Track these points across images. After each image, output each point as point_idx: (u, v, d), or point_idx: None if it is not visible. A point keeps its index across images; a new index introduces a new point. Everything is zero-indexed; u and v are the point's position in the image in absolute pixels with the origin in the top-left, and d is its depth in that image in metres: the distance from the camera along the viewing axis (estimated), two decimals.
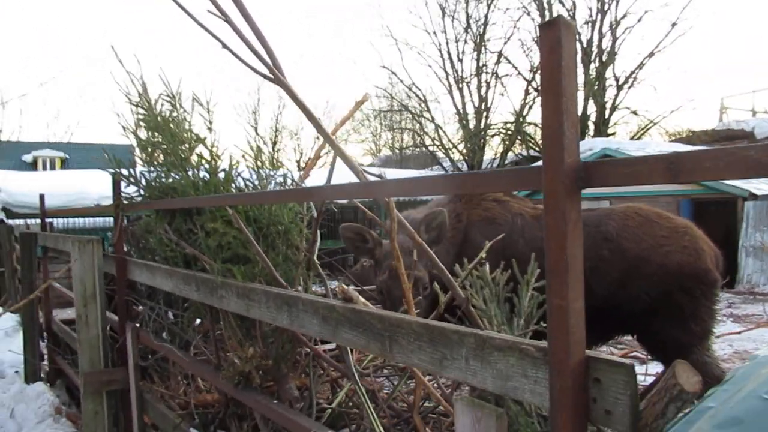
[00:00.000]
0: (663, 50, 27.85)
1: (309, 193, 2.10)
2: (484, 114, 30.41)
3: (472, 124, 30.58)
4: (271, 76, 1.80)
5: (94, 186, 14.07)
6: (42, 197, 6.94)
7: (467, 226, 4.04)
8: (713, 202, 15.11)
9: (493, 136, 30.98)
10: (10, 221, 13.21)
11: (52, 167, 33.33)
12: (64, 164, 33.89)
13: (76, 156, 33.70)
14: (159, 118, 3.45)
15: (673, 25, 27.12)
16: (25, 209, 13.42)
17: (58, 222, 15.33)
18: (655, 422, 1.12)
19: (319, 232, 2.82)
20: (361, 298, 1.89)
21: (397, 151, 42.00)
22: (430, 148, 33.04)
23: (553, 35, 1.19)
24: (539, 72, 1.21)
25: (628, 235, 3.71)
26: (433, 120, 32.46)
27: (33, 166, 33.53)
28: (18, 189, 13.82)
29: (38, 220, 8.25)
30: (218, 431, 3.26)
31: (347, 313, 1.82)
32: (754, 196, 14.38)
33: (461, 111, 30.78)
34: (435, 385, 2.56)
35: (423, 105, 32.49)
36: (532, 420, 1.95)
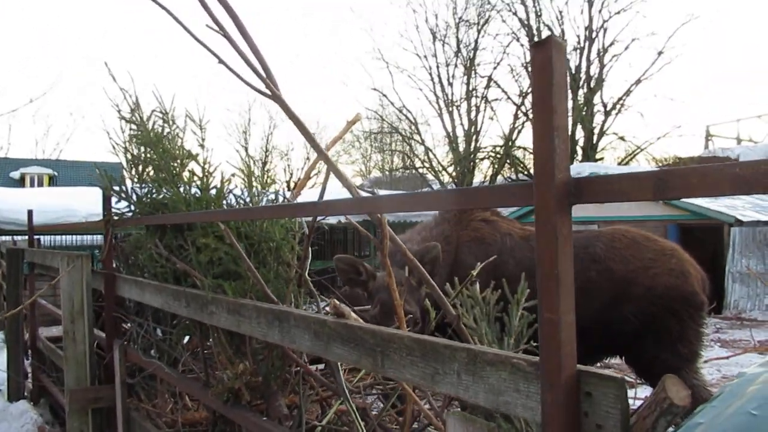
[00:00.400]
0: (650, 77, 28.29)
1: (302, 209, 2.11)
2: (474, 137, 30.67)
3: (461, 147, 30.81)
4: (268, 91, 1.83)
5: (82, 204, 13.97)
6: (30, 213, 6.90)
7: (457, 247, 4.06)
8: (700, 227, 15.25)
9: (482, 159, 31.23)
10: None
11: (40, 184, 33.15)
12: (53, 181, 33.73)
13: (65, 173, 33.60)
14: (151, 134, 3.46)
15: (660, 53, 27.60)
16: (12, 226, 13.29)
17: (45, 240, 15.18)
18: None
19: (311, 249, 2.83)
20: (353, 314, 1.90)
21: (387, 172, 42.16)
22: (420, 171, 33.19)
23: (545, 54, 1.22)
24: (531, 90, 1.24)
25: (616, 256, 3.75)
26: (423, 142, 32.70)
27: (21, 183, 33.34)
28: (5, 205, 13.70)
29: (25, 237, 8.17)
30: None
31: (339, 328, 1.82)
32: (740, 223, 14.52)
33: (451, 134, 31.03)
34: (427, 405, 2.55)
35: (413, 127, 32.74)
36: None
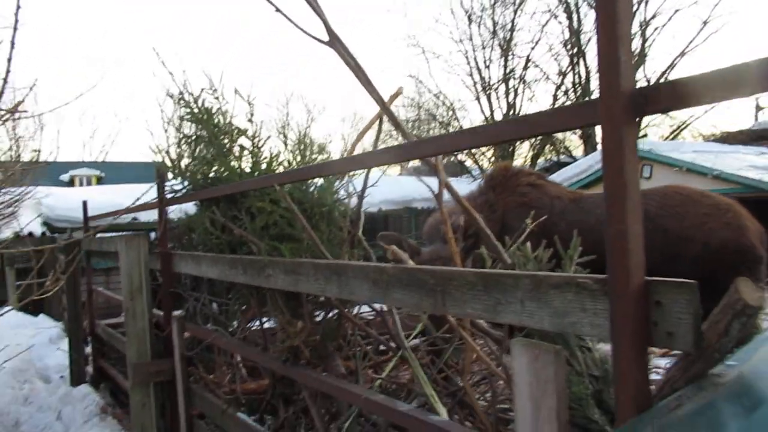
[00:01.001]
0: (695, 49, 27.41)
1: (355, 162, 2.13)
2: None
3: None
4: (325, 39, 1.85)
5: (130, 200, 14.28)
6: (85, 203, 7.13)
7: (504, 214, 4.04)
8: (754, 200, 14.73)
9: (522, 142, 30.77)
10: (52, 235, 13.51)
11: (89, 185, 34.10)
12: (100, 182, 34.66)
13: (112, 174, 34.46)
14: (202, 111, 3.54)
15: (705, 23, 26.70)
16: (65, 223, 13.73)
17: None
18: (718, 341, 1.12)
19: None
20: (411, 261, 1.91)
21: None
22: (459, 157, 32.96)
23: None
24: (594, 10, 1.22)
25: (669, 213, 3.67)
26: (461, 128, 32.40)
27: (70, 184, 34.33)
28: (57, 203, 14.17)
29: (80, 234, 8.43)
30: (266, 416, 3.30)
31: (398, 273, 1.83)
32: None
33: (489, 118, 30.65)
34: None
35: (451, 113, 32.46)
36: (583, 378, 1.94)
